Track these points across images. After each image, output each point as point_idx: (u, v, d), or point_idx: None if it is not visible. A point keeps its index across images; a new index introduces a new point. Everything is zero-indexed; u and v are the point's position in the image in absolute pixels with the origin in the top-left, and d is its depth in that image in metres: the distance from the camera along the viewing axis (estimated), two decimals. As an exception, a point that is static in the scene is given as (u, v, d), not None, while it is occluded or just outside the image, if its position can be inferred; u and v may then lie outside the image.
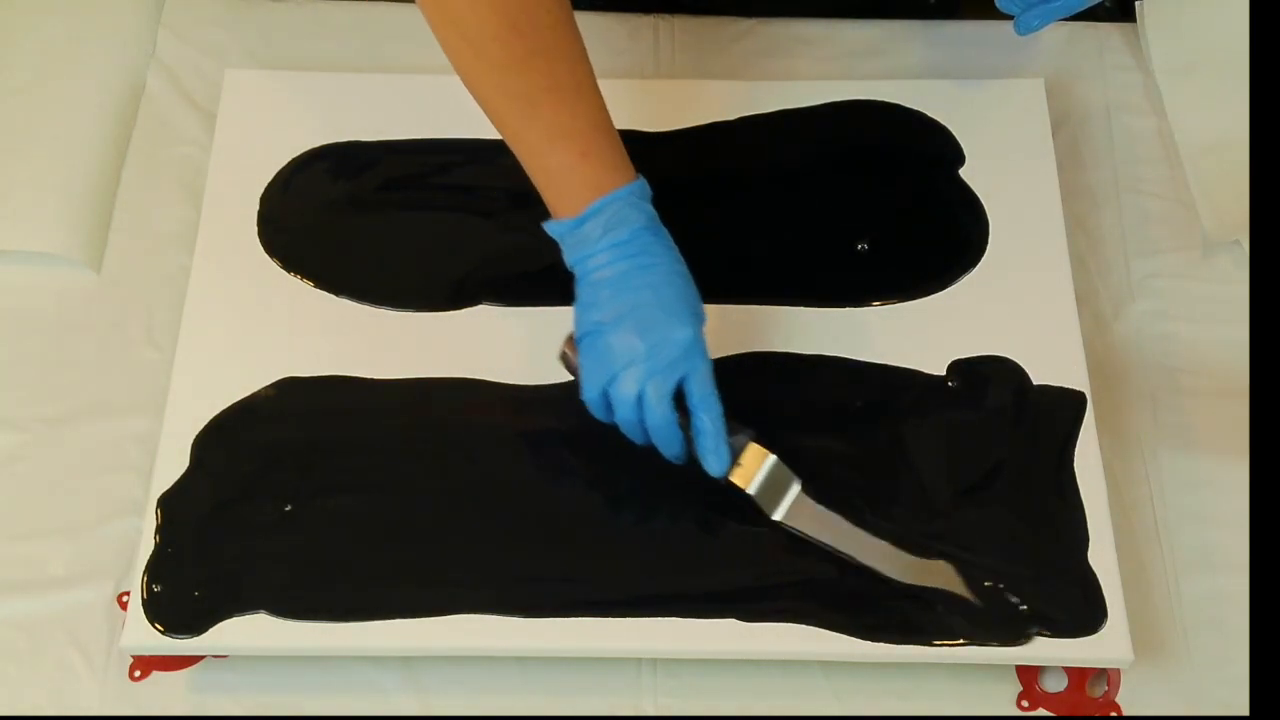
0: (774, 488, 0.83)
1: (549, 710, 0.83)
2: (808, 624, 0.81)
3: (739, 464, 0.83)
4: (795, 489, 0.84)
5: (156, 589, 0.82)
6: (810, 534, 0.83)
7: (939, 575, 0.82)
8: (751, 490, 0.83)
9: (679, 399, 0.81)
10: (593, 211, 0.81)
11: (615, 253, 0.81)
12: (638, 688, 0.84)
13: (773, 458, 0.83)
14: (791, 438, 0.87)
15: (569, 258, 0.83)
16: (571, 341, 0.84)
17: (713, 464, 0.81)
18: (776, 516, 0.83)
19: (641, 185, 0.83)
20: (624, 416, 0.82)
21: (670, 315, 0.80)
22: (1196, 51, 1.06)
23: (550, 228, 0.83)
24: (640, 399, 0.80)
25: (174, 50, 1.07)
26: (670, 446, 0.82)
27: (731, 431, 0.82)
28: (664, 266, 0.82)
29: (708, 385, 0.81)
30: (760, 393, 0.89)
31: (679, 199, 0.97)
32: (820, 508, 0.84)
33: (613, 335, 0.80)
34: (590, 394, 0.83)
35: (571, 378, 0.85)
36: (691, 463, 0.83)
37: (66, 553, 0.87)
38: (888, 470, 0.86)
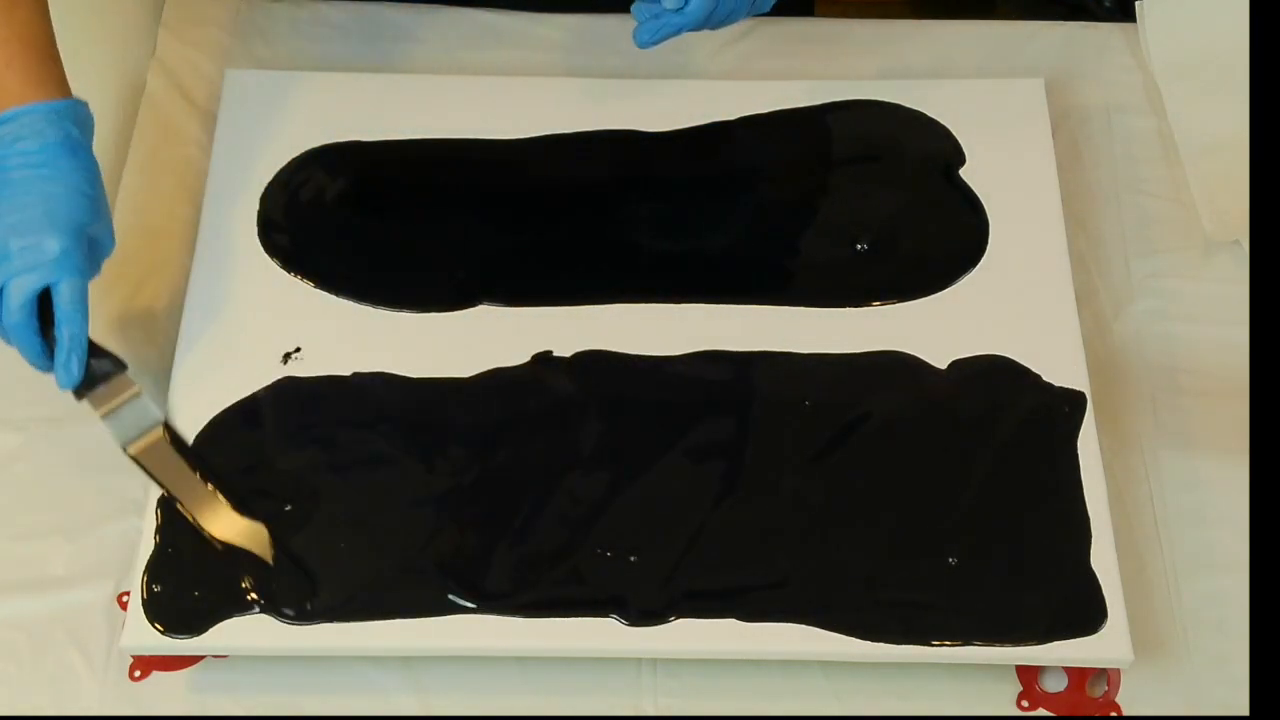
0: (131, 422, 0.85)
1: (549, 710, 0.83)
2: (808, 624, 0.81)
3: (102, 389, 0.85)
4: (157, 432, 0.86)
5: (156, 589, 0.82)
6: (156, 475, 0.85)
7: (253, 538, 0.84)
8: (101, 413, 0.85)
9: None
10: (4, 119, 0.82)
11: (20, 160, 0.82)
12: (638, 688, 0.84)
13: (136, 390, 0.85)
14: (790, 438, 0.87)
15: None
16: None
17: (62, 377, 0.83)
18: (129, 451, 0.85)
19: (70, 107, 0.84)
20: None
21: (50, 225, 0.81)
22: (1196, 51, 1.06)
23: None
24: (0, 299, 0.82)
25: (174, 50, 1.07)
26: (28, 352, 0.83)
27: (100, 354, 0.84)
28: (66, 182, 0.82)
29: (74, 301, 0.82)
30: (759, 392, 0.89)
31: (679, 199, 0.98)
32: (175, 455, 0.85)
33: None
34: None
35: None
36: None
37: (66, 553, 0.87)
38: (888, 470, 0.86)
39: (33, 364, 0.84)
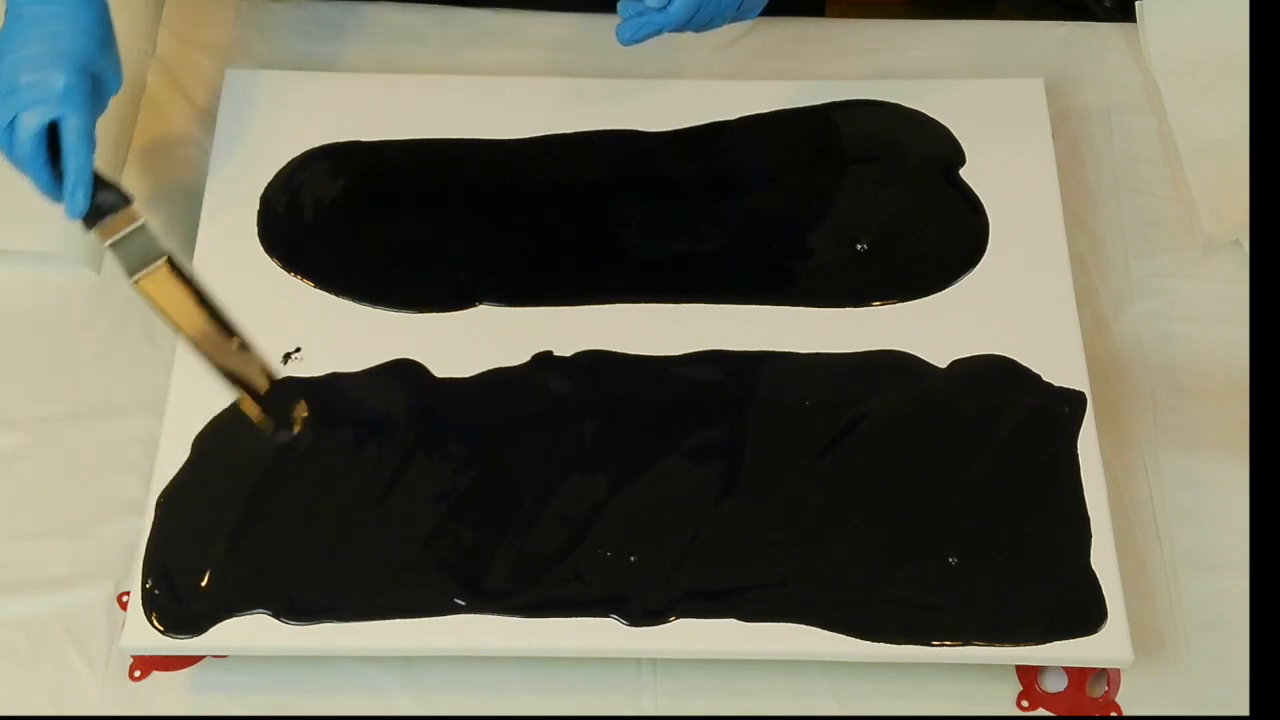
0: (137, 253, 0.88)
1: (549, 710, 0.83)
2: (808, 624, 0.81)
3: (109, 220, 0.87)
4: (160, 262, 0.88)
5: (156, 589, 0.82)
6: (161, 307, 0.87)
7: (253, 370, 0.87)
8: (107, 243, 0.88)
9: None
10: None
11: None
12: (638, 688, 0.84)
13: (141, 221, 0.88)
14: (790, 438, 0.87)
15: None
16: None
17: (69, 206, 0.87)
18: (134, 279, 0.87)
19: None
20: None
21: (56, 62, 0.84)
22: (1196, 51, 1.06)
23: None
24: (11, 129, 0.85)
25: (174, 50, 1.07)
26: (38, 181, 0.87)
27: (107, 187, 0.88)
28: (73, 20, 0.86)
29: (79, 135, 0.85)
30: (759, 392, 0.89)
31: (679, 199, 0.98)
32: (180, 288, 0.88)
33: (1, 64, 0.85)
34: None
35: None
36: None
37: (66, 553, 0.87)
38: (888, 470, 0.86)
39: (44, 193, 0.87)
